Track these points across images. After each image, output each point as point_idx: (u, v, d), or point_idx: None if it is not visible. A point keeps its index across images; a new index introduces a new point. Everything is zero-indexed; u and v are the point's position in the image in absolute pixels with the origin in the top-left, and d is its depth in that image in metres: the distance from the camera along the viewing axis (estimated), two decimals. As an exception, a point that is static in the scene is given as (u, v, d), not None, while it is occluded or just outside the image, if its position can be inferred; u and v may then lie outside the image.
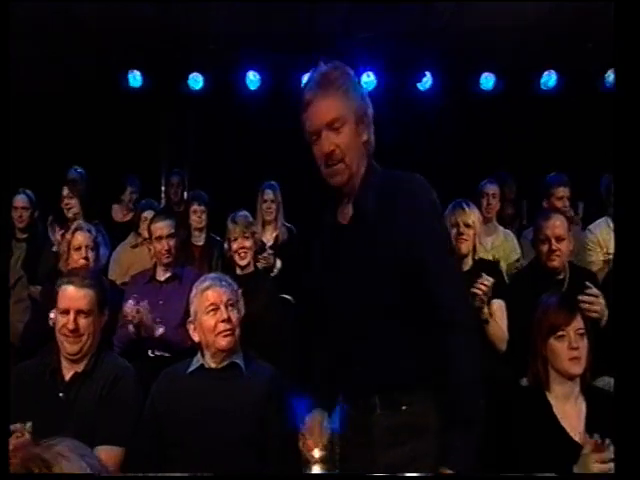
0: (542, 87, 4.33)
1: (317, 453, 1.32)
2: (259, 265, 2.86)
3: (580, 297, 2.00)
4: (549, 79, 4.32)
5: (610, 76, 4.18)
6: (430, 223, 1.29)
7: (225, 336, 1.70)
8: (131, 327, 2.25)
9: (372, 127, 1.32)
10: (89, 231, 2.51)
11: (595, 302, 2.03)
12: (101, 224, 2.73)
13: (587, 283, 2.11)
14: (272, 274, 3.02)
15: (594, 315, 2.01)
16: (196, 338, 1.76)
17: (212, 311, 1.72)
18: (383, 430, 1.25)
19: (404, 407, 1.25)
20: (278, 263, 3.08)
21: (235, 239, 2.66)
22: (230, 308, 1.74)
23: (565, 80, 4.29)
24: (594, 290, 2.06)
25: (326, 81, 1.26)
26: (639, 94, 1.10)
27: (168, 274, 2.52)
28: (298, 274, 2.94)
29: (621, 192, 1.14)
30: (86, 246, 2.46)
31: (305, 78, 4.37)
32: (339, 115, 1.25)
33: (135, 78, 4.42)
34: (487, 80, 4.39)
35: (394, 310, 1.26)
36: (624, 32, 1.12)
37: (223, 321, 1.70)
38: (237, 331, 1.73)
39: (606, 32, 3.97)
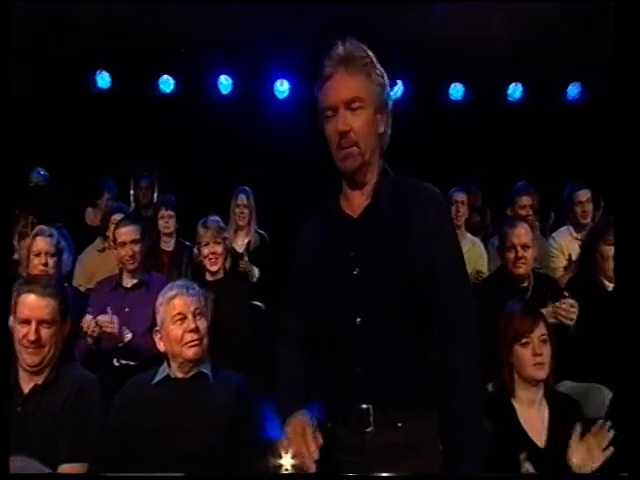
0: (509, 98, 4.45)
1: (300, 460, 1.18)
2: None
3: (559, 304, 2.08)
4: (515, 91, 4.44)
5: (573, 89, 4.33)
6: (450, 242, 1.24)
7: (192, 346, 1.66)
8: (89, 340, 2.19)
9: (390, 121, 1.26)
10: (50, 236, 2.42)
11: (571, 311, 2.10)
12: (64, 227, 2.63)
13: (565, 292, 2.17)
14: (251, 281, 3.01)
15: (568, 323, 2.08)
16: (162, 348, 1.72)
17: (179, 321, 1.68)
18: (378, 449, 1.18)
19: (399, 424, 1.18)
20: (256, 271, 3.06)
21: (206, 244, 2.63)
22: (198, 317, 1.70)
23: (530, 92, 4.42)
24: (570, 300, 2.13)
25: (350, 58, 1.20)
26: (637, 97, 1.10)
27: (134, 281, 2.46)
28: (272, 280, 2.93)
29: (620, 196, 1.14)
30: (46, 252, 2.38)
31: (279, 84, 4.45)
32: (360, 95, 1.19)
33: (103, 79, 4.34)
34: (456, 90, 4.48)
35: (400, 316, 1.19)
36: (624, 33, 1.12)
37: (190, 331, 1.66)
38: (205, 341, 1.71)
39: (569, 46, 4.11)
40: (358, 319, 1.20)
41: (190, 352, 1.66)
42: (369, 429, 1.18)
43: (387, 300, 1.19)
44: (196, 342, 1.67)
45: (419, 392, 1.20)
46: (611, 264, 2.26)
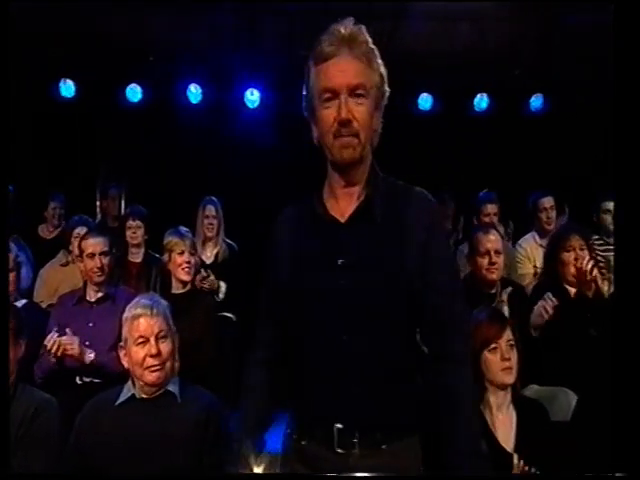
0: (475, 109, 4.55)
1: None
2: (198, 286, 2.77)
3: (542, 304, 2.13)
4: (481, 101, 4.55)
5: (535, 101, 4.47)
6: (443, 252, 1.16)
7: (153, 371, 1.61)
8: (52, 359, 2.11)
9: (381, 120, 1.15)
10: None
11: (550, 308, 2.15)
12: (20, 238, 2.54)
13: (548, 294, 2.20)
14: (218, 299, 2.93)
15: (546, 317, 2.13)
16: (126, 365, 1.67)
17: (141, 344, 1.62)
18: (363, 471, 1.08)
19: (384, 446, 1.09)
20: (223, 286, 3.00)
21: (182, 252, 2.57)
22: (161, 340, 1.64)
23: (495, 103, 4.54)
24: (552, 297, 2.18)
25: (355, 40, 1.08)
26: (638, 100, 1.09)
27: (100, 294, 2.40)
28: (242, 292, 2.88)
29: (621, 204, 1.13)
30: None
31: (249, 94, 4.43)
32: (364, 82, 1.07)
33: (68, 88, 4.24)
34: (425, 100, 4.56)
35: (389, 332, 1.10)
36: (624, 34, 1.11)
37: (152, 356, 1.61)
38: (168, 364, 1.64)
39: (532, 59, 4.23)
40: (344, 336, 1.09)
41: (150, 377, 1.61)
42: (354, 451, 1.09)
43: (375, 315, 1.09)
44: (157, 367, 1.61)
45: (405, 414, 1.13)
46: (571, 270, 2.33)
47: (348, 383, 1.10)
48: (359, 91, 1.08)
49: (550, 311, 2.15)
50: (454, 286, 1.16)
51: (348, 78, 1.07)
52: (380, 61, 1.13)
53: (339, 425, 1.09)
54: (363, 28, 1.11)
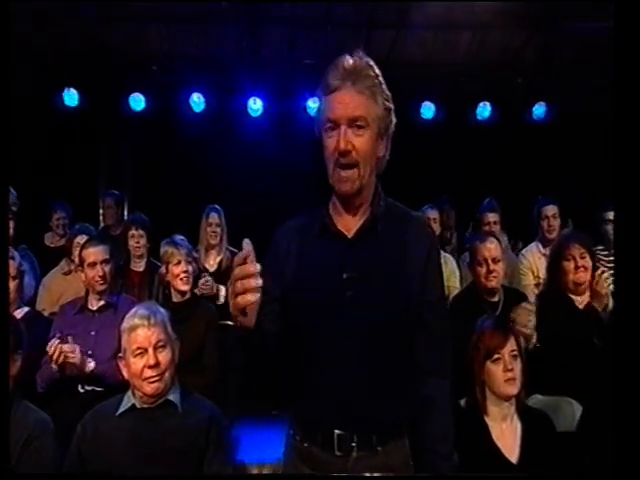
0: (478, 117, 4.56)
1: None
2: (198, 292, 2.78)
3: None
4: (484, 110, 4.55)
5: (538, 109, 4.47)
6: (439, 273, 1.24)
7: (151, 382, 1.59)
8: (54, 366, 2.10)
9: (389, 146, 1.22)
10: (12, 258, 2.33)
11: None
12: (29, 249, 2.55)
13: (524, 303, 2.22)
14: (218, 303, 2.94)
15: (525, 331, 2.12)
16: (126, 376, 1.66)
17: (139, 355, 1.61)
18: (361, 472, 1.17)
19: (379, 448, 1.18)
20: (222, 291, 3.00)
21: (178, 262, 2.57)
22: (160, 350, 1.62)
23: (498, 111, 4.54)
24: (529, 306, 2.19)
25: (359, 74, 1.15)
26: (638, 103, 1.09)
27: (101, 303, 2.38)
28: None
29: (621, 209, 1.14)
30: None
31: (252, 102, 4.45)
32: (365, 115, 1.14)
33: (71, 97, 4.27)
34: (427, 109, 4.57)
35: (387, 342, 1.17)
36: (624, 35, 1.12)
37: (150, 367, 1.59)
38: (167, 374, 1.63)
39: (534, 67, 4.24)
40: (348, 342, 1.16)
41: (149, 388, 1.60)
42: (353, 454, 1.17)
43: (377, 326, 1.16)
44: (156, 378, 1.60)
45: (398, 419, 1.21)
46: (571, 278, 2.32)
47: (349, 392, 1.16)
48: (359, 122, 1.14)
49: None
50: (445, 307, 1.29)
51: (348, 111, 1.14)
52: (386, 94, 1.19)
53: (338, 431, 1.17)
54: (369, 62, 1.18)
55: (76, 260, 2.68)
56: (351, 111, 1.14)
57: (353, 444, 1.16)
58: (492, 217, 3.47)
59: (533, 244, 3.29)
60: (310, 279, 1.19)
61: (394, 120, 1.21)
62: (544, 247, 3.20)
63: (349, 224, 1.21)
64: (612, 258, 3.01)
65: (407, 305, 1.18)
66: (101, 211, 4.40)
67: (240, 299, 0.96)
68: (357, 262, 1.17)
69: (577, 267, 2.32)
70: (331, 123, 1.15)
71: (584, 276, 2.33)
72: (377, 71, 1.18)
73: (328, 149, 1.16)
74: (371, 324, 1.16)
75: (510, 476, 1.55)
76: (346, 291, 1.16)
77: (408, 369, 1.20)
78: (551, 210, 3.26)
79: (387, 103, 1.19)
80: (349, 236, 1.20)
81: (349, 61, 1.15)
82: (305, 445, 1.20)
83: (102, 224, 4.24)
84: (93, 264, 2.36)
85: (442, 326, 1.23)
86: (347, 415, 1.16)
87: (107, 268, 2.38)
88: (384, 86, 1.19)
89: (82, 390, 2.18)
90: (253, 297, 0.96)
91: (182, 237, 2.73)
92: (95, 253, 2.38)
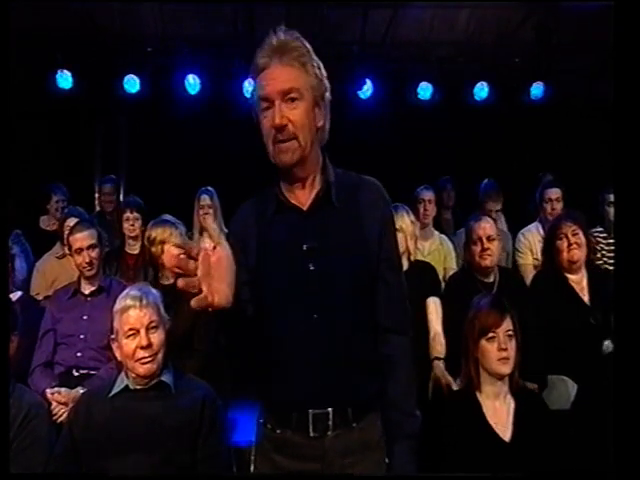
0: (475, 97, 4.51)
1: None
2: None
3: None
4: (482, 90, 4.50)
5: (536, 89, 4.43)
6: (393, 232, 1.26)
7: (144, 363, 1.59)
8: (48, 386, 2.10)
9: (329, 114, 1.20)
10: None
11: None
12: (22, 234, 2.52)
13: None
14: None
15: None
16: (118, 357, 1.66)
17: (131, 336, 1.60)
18: (337, 452, 1.15)
19: (354, 424, 1.16)
20: None
21: (177, 244, 2.52)
22: (152, 331, 1.62)
23: (496, 91, 4.50)
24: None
25: (284, 48, 1.15)
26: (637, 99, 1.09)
27: (93, 287, 2.37)
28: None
29: (621, 200, 1.14)
30: None
31: (247, 84, 4.40)
32: (297, 86, 1.13)
33: (65, 79, 4.21)
34: (425, 90, 4.52)
35: (352, 311, 1.17)
36: (624, 34, 1.11)
37: (142, 348, 1.58)
38: (160, 355, 1.63)
39: (532, 47, 4.18)
40: (315, 315, 1.15)
41: (142, 369, 1.60)
42: (328, 433, 1.15)
43: (342, 295, 1.16)
44: (148, 359, 1.59)
45: (372, 389, 1.20)
46: (566, 256, 2.32)
47: (320, 365, 1.14)
48: (292, 95, 1.14)
49: None
50: (401, 265, 1.31)
51: (279, 84, 1.13)
52: (316, 62, 1.18)
53: (313, 410, 1.15)
54: (296, 34, 1.17)
55: (66, 244, 2.66)
56: (282, 84, 1.13)
57: (329, 422, 1.14)
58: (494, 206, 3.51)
59: (533, 225, 3.27)
60: (272, 257, 1.18)
61: (328, 87, 1.20)
62: (544, 229, 3.19)
63: (302, 198, 1.20)
64: (611, 241, 3.00)
65: (368, 269, 1.19)
66: (97, 195, 4.38)
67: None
68: (315, 233, 1.17)
69: (570, 244, 2.32)
70: (265, 102, 1.14)
71: (578, 253, 2.33)
72: (305, 42, 1.17)
73: (265, 128, 1.15)
74: (336, 294, 1.15)
75: (511, 476, 1.56)
76: (308, 263, 1.15)
77: (372, 335, 1.21)
78: (555, 193, 3.23)
79: (319, 71, 1.18)
80: (304, 209, 1.19)
81: (275, 38, 1.15)
82: (278, 432, 1.18)
83: (97, 208, 4.22)
84: (79, 250, 2.34)
85: (399, 282, 1.24)
86: (321, 391, 1.14)
87: (94, 253, 2.35)
88: (314, 56, 1.18)
89: (77, 374, 2.19)
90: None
91: (171, 217, 2.68)
92: (81, 239, 2.35)
